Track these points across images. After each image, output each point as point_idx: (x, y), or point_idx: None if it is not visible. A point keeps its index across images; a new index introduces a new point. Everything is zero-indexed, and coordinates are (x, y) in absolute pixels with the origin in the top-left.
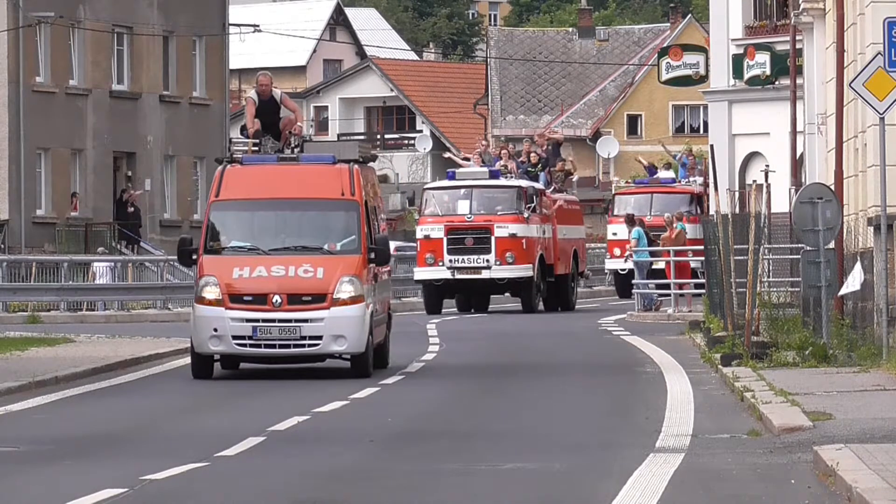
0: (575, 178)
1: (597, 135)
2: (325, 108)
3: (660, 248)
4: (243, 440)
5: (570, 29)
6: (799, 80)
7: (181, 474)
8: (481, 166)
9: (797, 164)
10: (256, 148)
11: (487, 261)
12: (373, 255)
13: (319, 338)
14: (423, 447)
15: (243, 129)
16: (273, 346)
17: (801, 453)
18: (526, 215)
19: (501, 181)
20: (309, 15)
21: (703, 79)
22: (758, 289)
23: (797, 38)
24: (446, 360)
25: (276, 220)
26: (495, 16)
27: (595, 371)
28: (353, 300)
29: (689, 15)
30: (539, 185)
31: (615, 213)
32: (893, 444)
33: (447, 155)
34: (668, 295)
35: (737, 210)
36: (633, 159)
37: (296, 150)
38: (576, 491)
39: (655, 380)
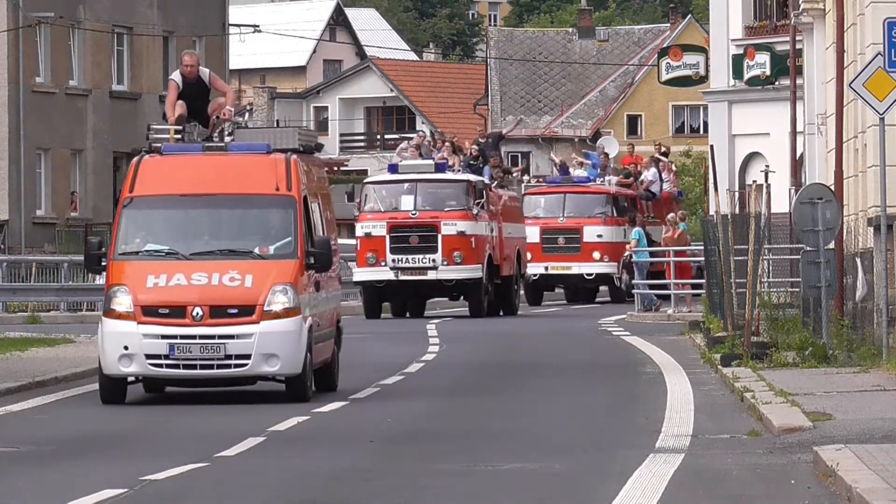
0: (515, 174)
1: (597, 135)
2: (325, 108)
3: (661, 248)
4: (243, 440)
5: (570, 29)
6: (799, 81)
7: (181, 474)
8: (417, 160)
9: (797, 165)
10: (180, 136)
11: (434, 261)
12: (312, 260)
13: (247, 357)
14: (423, 447)
15: (165, 117)
16: (193, 367)
17: (801, 454)
18: (475, 212)
19: (448, 175)
20: (309, 15)
21: (703, 79)
22: (758, 289)
23: (797, 38)
24: (446, 361)
25: (198, 220)
26: (495, 16)
27: (595, 371)
28: (288, 313)
29: (689, 15)
30: (486, 180)
31: (525, 213)
32: (893, 444)
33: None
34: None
35: (737, 210)
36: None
37: (226, 138)
38: (576, 491)
39: (655, 380)
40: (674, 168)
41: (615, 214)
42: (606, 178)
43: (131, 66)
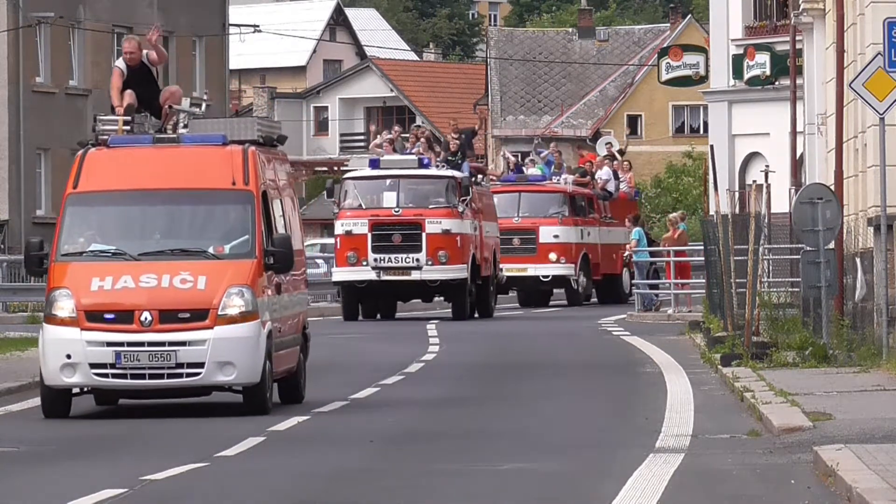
0: (489, 174)
1: (597, 135)
2: (325, 108)
3: (660, 248)
4: (243, 440)
5: (570, 29)
6: (799, 81)
7: (181, 474)
8: (393, 155)
9: (797, 165)
10: (128, 127)
11: (418, 260)
12: (271, 260)
13: (201, 365)
14: (423, 447)
15: (114, 109)
16: (142, 377)
17: (801, 454)
18: (461, 209)
19: (432, 171)
20: (309, 15)
21: (703, 79)
22: (758, 289)
23: (797, 38)
24: (446, 361)
25: (147, 217)
26: (495, 16)
27: (595, 371)
28: (245, 317)
29: (689, 15)
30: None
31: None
32: (893, 444)
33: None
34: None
35: (737, 210)
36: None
37: (179, 129)
38: (575, 491)
39: (655, 380)
40: (630, 168)
41: (571, 214)
42: (562, 176)
43: None
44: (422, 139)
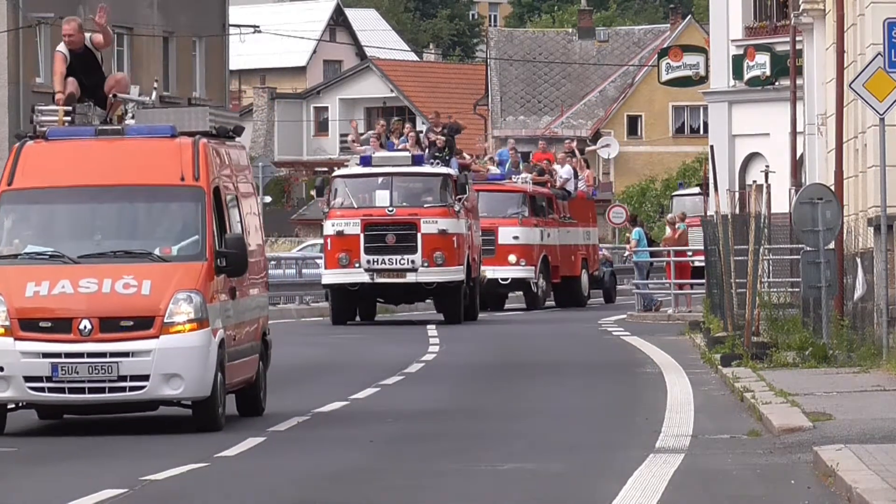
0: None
1: (597, 135)
2: (326, 108)
3: (661, 248)
4: (243, 440)
5: (570, 30)
6: (799, 81)
7: (181, 475)
8: (380, 151)
9: (797, 165)
10: (70, 118)
11: (413, 262)
12: (223, 262)
13: (145, 378)
14: (423, 447)
15: (55, 98)
16: (81, 391)
17: (801, 454)
18: (457, 208)
19: (426, 168)
20: (309, 16)
21: (703, 79)
22: (758, 289)
23: (797, 38)
24: (446, 361)
25: (88, 216)
26: (495, 17)
27: (595, 371)
28: (193, 325)
29: (689, 16)
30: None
31: None
32: (893, 444)
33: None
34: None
35: (737, 211)
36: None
37: (126, 119)
38: (576, 491)
39: (655, 380)
40: (587, 166)
41: (531, 214)
42: (521, 175)
43: (131, 66)
44: (410, 134)
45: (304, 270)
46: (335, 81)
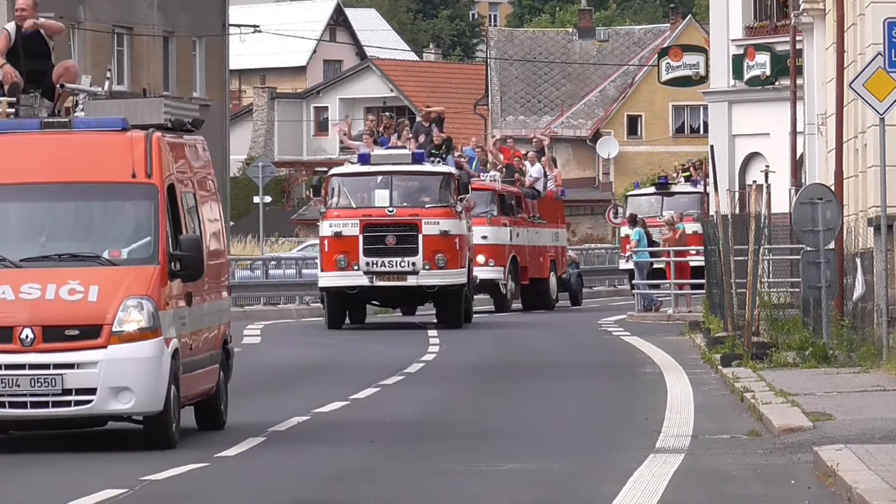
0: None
1: (597, 135)
2: (325, 108)
3: (661, 248)
4: (243, 440)
5: (570, 29)
6: (799, 81)
7: (181, 475)
8: (373, 149)
9: (797, 165)
10: (13, 110)
11: (414, 264)
12: (177, 266)
13: (91, 391)
14: (423, 447)
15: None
16: (22, 406)
17: (801, 454)
18: (459, 208)
19: (427, 166)
20: (309, 15)
21: (703, 79)
22: (758, 289)
23: (797, 38)
24: (446, 361)
25: (31, 216)
26: (496, 16)
27: (595, 371)
28: (144, 334)
29: (690, 15)
30: (471, 172)
31: None
32: (893, 444)
33: (340, 129)
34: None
35: (737, 210)
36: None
37: (75, 112)
38: (576, 491)
39: (655, 380)
40: (556, 165)
41: (501, 214)
42: (490, 173)
43: (131, 66)
44: (404, 130)
45: (303, 270)
46: (335, 81)
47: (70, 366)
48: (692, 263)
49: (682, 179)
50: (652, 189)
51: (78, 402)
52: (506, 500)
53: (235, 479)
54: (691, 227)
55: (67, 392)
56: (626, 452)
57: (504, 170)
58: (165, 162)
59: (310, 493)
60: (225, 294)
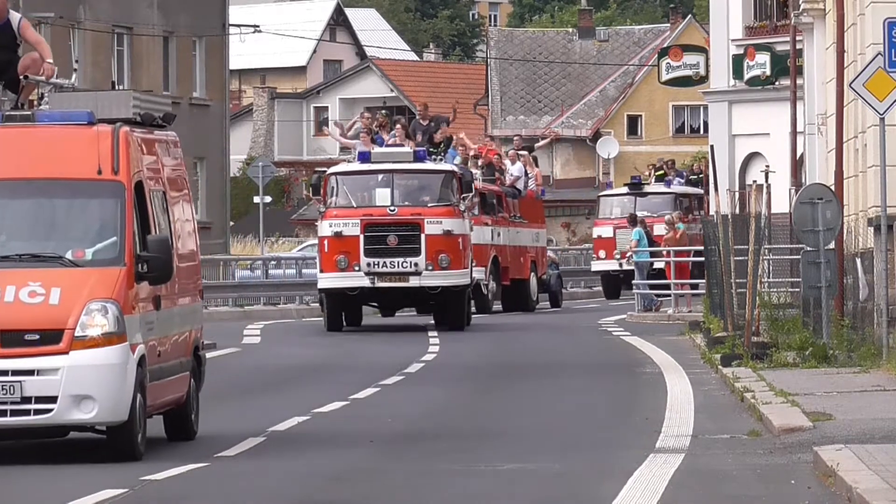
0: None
1: (597, 135)
2: (326, 108)
3: (661, 248)
4: (243, 441)
5: (570, 29)
6: (799, 81)
7: (181, 475)
8: (371, 147)
9: (797, 165)
10: None
11: (416, 265)
12: (144, 268)
13: (52, 400)
14: (424, 448)
15: None
16: None
17: (801, 454)
18: (462, 207)
19: (429, 164)
20: (309, 15)
21: (704, 79)
22: (758, 289)
23: (797, 38)
24: (446, 361)
25: None
26: (496, 16)
27: (595, 371)
28: (109, 339)
29: (690, 15)
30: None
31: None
32: (893, 444)
33: (327, 132)
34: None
35: (737, 210)
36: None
37: (40, 105)
38: (576, 491)
39: (655, 380)
40: (536, 164)
41: (482, 213)
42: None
43: (131, 66)
44: (398, 126)
45: (304, 270)
46: (335, 81)
47: (29, 372)
48: (657, 265)
49: (654, 180)
50: (624, 189)
51: (38, 411)
52: (506, 499)
53: (235, 479)
54: (660, 229)
55: (27, 400)
56: (626, 452)
57: (484, 168)
58: (133, 158)
59: (310, 492)
60: (197, 298)
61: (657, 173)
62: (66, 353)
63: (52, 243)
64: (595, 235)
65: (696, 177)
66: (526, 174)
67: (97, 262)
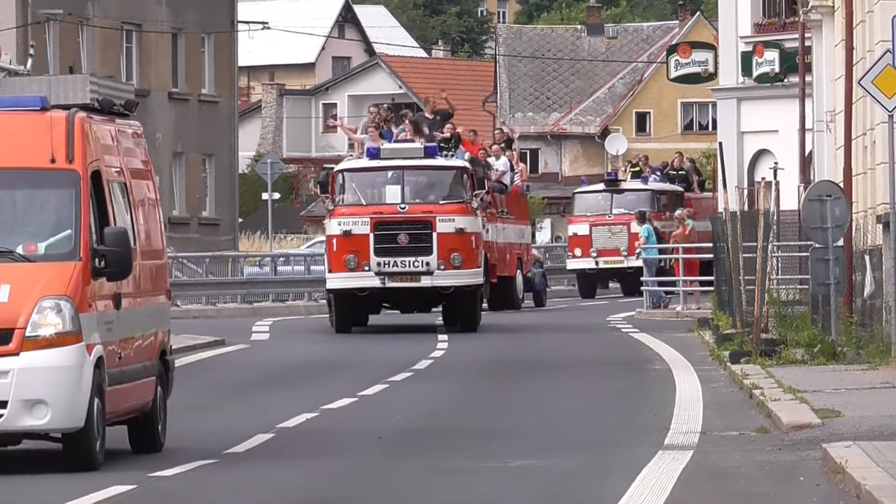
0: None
1: (605, 132)
2: (334, 105)
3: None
4: (252, 437)
5: (579, 26)
6: (808, 78)
7: (190, 471)
8: (379, 142)
9: (806, 162)
10: None
11: (428, 264)
12: (101, 263)
13: (2, 405)
14: (432, 444)
15: None
16: None
17: (809, 451)
18: (475, 205)
19: (440, 160)
20: (317, 12)
21: (712, 76)
22: (766, 286)
23: (806, 35)
24: (454, 358)
25: None
26: (504, 13)
27: (603, 368)
28: (63, 339)
29: (698, 12)
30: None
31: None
32: None
33: (332, 124)
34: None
35: (745, 207)
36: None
37: None
38: (584, 488)
39: (664, 377)
40: (522, 163)
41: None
42: None
43: (140, 62)
44: (406, 122)
45: (312, 267)
46: (344, 78)
47: None
48: (630, 264)
49: (630, 176)
50: (601, 186)
51: None
52: (514, 497)
53: (244, 475)
54: (635, 228)
55: None
56: (634, 449)
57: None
58: (90, 146)
59: (319, 489)
60: (163, 298)
61: (633, 170)
62: (17, 354)
63: (1, 237)
64: (570, 233)
65: (676, 172)
66: (512, 169)
67: (50, 256)
